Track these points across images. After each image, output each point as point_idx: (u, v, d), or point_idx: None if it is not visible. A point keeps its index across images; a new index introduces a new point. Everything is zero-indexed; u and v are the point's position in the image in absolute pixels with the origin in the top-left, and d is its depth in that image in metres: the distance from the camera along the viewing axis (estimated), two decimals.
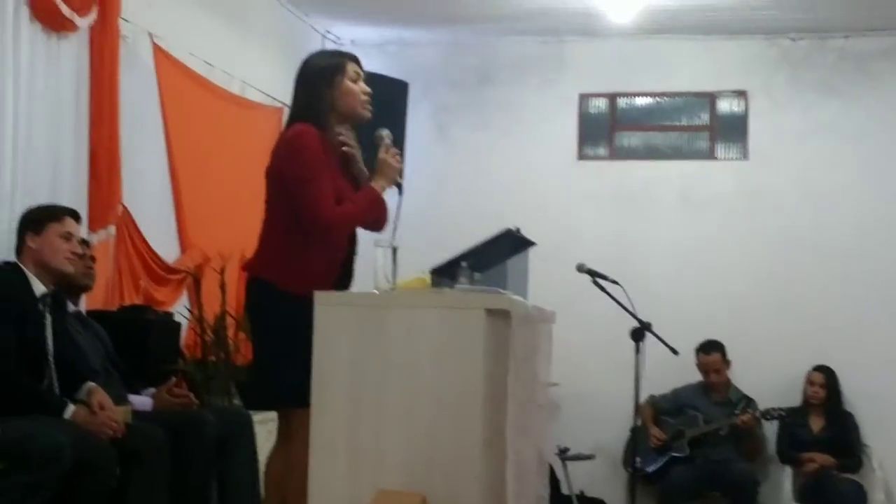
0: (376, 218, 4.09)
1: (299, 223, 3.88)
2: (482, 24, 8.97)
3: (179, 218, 6.83)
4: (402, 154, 4.81)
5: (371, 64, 5.32)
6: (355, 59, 4.02)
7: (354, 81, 3.94)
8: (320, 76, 3.95)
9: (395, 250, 3.75)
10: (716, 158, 9.14)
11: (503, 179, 9.23)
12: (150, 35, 6.40)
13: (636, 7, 7.99)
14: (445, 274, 4.06)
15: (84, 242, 5.46)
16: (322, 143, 3.80)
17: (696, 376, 8.76)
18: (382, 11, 8.57)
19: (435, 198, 8.91)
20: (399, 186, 3.91)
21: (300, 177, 3.81)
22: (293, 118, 3.98)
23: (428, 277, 3.98)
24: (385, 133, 4.02)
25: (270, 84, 7.74)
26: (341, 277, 4.09)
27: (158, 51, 6.44)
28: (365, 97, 3.95)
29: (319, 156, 3.81)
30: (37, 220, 5.14)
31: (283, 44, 8.14)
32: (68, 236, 5.06)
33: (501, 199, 8.70)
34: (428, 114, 9.34)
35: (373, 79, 4.35)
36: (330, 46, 8.89)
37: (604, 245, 8.53)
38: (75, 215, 5.23)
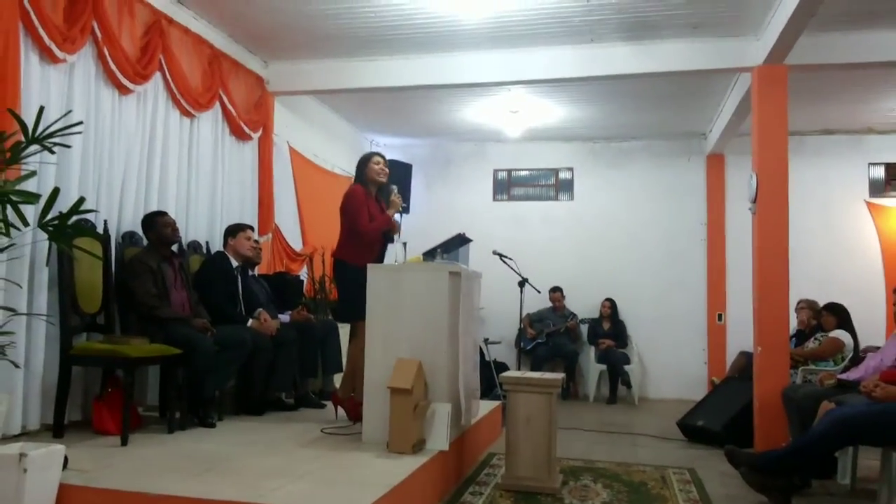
0: (391, 229, 6.05)
1: (354, 231, 5.95)
2: (446, 135, 12.22)
3: (303, 230, 9.28)
4: (405, 198, 7.53)
5: (392, 154, 9.02)
6: (381, 154, 5.99)
7: (378, 165, 6.00)
8: (364, 162, 6.20)
9: (404, 245, 5.41)
10: (558, 200, 12.76)
11: (457, 211, 12.67)
12: (288, 142, 8.75)
13: (522, 127, 10.93)
14: (429, 255, 5.61)
15: (256, 241, 7.08)
16: (364, 194, 5.94)
17: (548, 304, 12.52)
18: (399, 128, 11.81)
19: (423, 220, 12.42)
20: (402, 213, 5.57)
21: (352, 210, 5.97)
22: (354, 182, 5.99)
23: (421, 257, 5.46)
24: (394, 188, 6.06)
25: (346, 165, 10.65)
26: (379, 257, 6.00)
27: (293, 151, 8.84)
28: (383, 171, 5.94)
29: (362, 199, 5.93)
30: (233, 230, 7.10)
31: (350, 146, 11.17)
32: (249, 237, 6.87)
33: (456, 220, 11.76)
34: (421, 179, 13.00)
35: (392, 163, 6.73)
36: (371, 147, 11.91)
37: (506, 243, 11.00)
38: (252, 228, 6.95)
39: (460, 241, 6.28)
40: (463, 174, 13.14)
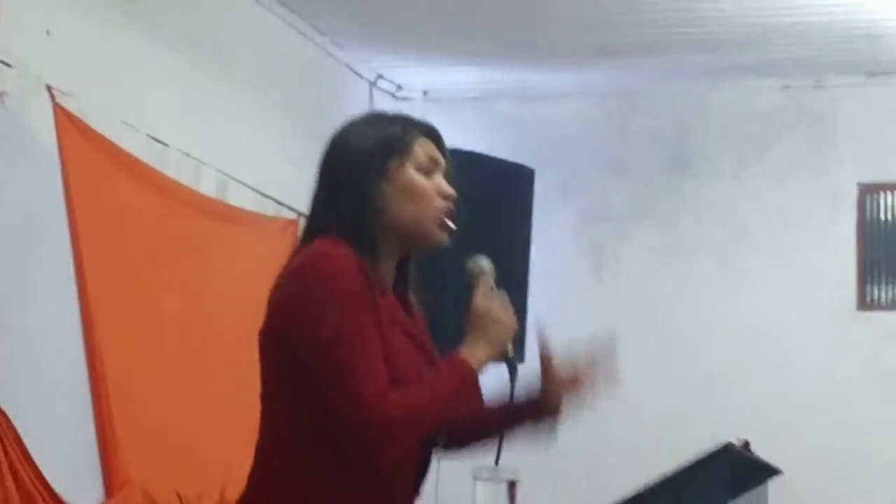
0: (466, 416, 2.89)
1: (324, 430, 2.76)
2: (678, 56, 6.71)
3: (102, 431, 5.55)
4: (521, 287, 4.80)
5: (458, 135, 4.04)
6: (432, 133, 2.78)
7: (427, 173, 2.77)
8: (365, 158, 2.78)
9: (512, 485, 3.85)
10: None
11: (714, 338, 6.97)
12: (49, 88, 5.42)
13: None
14: None
15: None
16: (366, 277, 2.64)
17: None
18: (479, 38, 6.76)
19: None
20: (510, 362, 2.64)
21: (326, 337, 2.65)
22: (312, 229, 2.78)
23: None
24: (485, 264, 2.83)
25: (276, 179, 6.44)
26: None
27: (61, 113, 5.47)
28: (445, 203, 2.79)
29: (362, 296, 2.63)
30: None
31: (299, 101, 6.72)
32: None
33: (717, 369, 6.85)
34: (573, 223, 7.23)
35: (465, 162, 3.64)
36: (385, 102, 7.21)
37: None
38: None
39: (742, 470, 3.78)
40: (761, 204, 7.15)
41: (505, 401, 2.75)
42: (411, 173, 2.61)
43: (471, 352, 2.52)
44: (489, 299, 2.57)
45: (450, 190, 2.62)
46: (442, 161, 2.63)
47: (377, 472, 2.54)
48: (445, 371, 2.53)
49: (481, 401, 2.65)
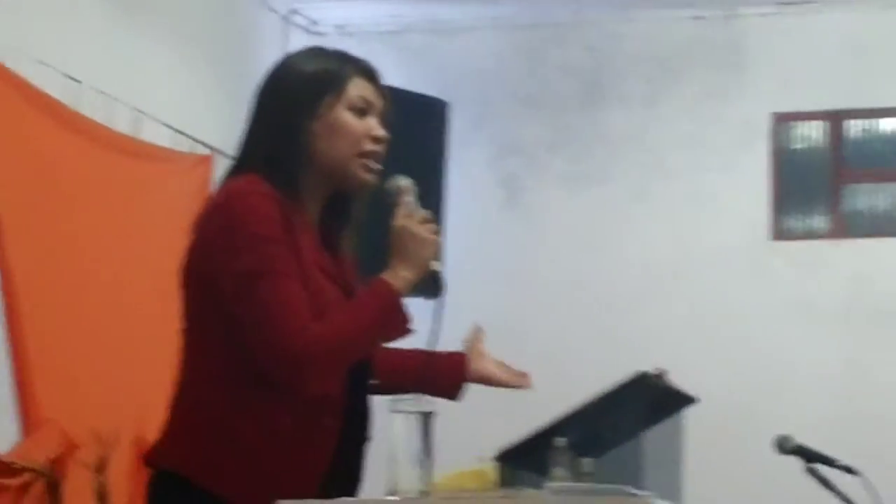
0: (390, 342, 2.94)
1: (245, 363, 2.78)
2: None
3: (18, 370, 5.31)
4: (438, 220, 3.74)
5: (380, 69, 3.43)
6: (370, 73, 2.76)
7: (360, 113, 2.74)
8: (296, 94, 2.80)
9: (427, 416, 2.71)
10: None
11: (629, 267, 6.97)
12: None
13: None
14: (525, 460, 3.24)
15: None
16: (285, 213, 2.71)
17: None
18: None
19: (500, 303, 6.98)
20: (436, 280, 2.69)
21: (245, 271, 2.72)
22: (239, 167, 2.86)
23: (492, 468, 3.23)
24: (405, 184, 2.81)
25: (190, 115, 6.35)
26: (332, 472, 2.83)
27: None
28: (373, 145, 2.77)
29: (279, 232, 2.70)
30: None
31: (213, 36, 6.70)
32: None
33: (630, 299, 6.89)
34: (487, 156, 7.15)
35: (398, 100, 3.11)
36: (299, 37, 7.04)
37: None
38: None
39: (658, 400, 3.48)
40: (674, 137, 7.01)
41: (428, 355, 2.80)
42: (341, 112, 2.62)
43: (393, 273, 2.55)
44: (410, 218, 2.59)
45: (380, 132, 2.61)
46: (378, 102, 2.62)
47: (302, 406, 2.58)
48: (366, 295, 2.57)
49: (407, 321, 2.65)
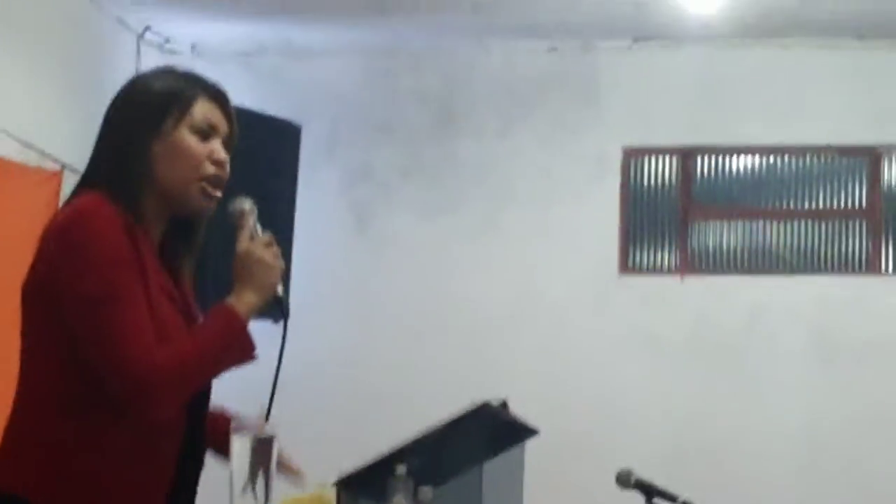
0: (236, 367, 2.82)
1: (85, 384, 2.70)
2: (446, 16, 6.75)
3: None
4: (285, 244, 3.56)
5: (231, 91, 3.23)
6: (218, 96, 2.68)
7: (204, 137, 2.65)
8: (141, 114, 2.71)
9: (267, 442, 2.68)
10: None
11: (478, 297, 6.92)
12: None
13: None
14: (365, 487, 3.42)
15: None
16: (131, 234, 2.63)
17: None
18: None
19: (347, 329, 6.91)
20: (280, 304, 2.68)
21: (90, 296, 2.63)
22: (84, 183, 2.78)
23: (331, 493, 3.57)
24: (247, 206, 2.73)
25: (41, 129, 6.31)
26: (170, 496, 2.75)
27: None
28: (214, 169, 2.68)
29: (125, 254, 2.60)
30: None
31: (66, 51, 6.71)
32: None
33: (476, 328, 6.85)
34: (336, 182, 7.16)
35: (246, 121, 3.04)
36: (152, 55, 7.04)
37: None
38: None
39: (489, 430, 3.76)
40: (520, 164, 7.14)
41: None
42: (184, 134, 2.56)
43: (238, 297, 2.52)
44: (253, 242, 2.57)
45: (222, 156, 2.58)
46: (223, 126, 2.58)
47: (141, 429, 2.51)
48: (210, 320, 2.53)
49: (252, 347, 2.59)
